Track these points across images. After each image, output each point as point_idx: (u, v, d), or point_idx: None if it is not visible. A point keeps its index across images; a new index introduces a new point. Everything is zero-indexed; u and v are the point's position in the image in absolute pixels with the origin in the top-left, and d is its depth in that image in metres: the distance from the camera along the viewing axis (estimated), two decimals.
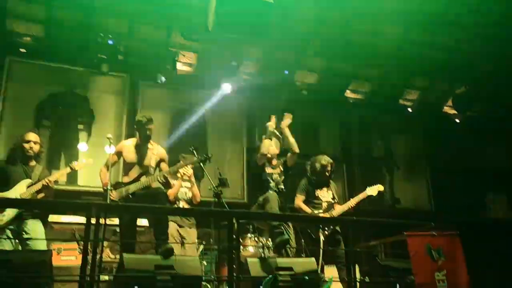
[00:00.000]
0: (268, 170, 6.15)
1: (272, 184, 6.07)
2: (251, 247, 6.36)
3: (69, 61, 8.00)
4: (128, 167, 5.62)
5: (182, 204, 6.24)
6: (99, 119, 8.33)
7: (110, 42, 7.85)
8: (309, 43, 8.97)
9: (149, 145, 5.69)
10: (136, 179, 5.44)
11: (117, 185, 5.45)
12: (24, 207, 5.15)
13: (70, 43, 7.82)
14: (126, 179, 5.53)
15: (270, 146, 6.20)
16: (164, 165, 5.67)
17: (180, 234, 6.14)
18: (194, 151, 5.90)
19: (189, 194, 6.27)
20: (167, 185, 5.71)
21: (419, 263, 4.88)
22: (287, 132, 6.13)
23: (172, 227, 6.03)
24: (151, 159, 5.59)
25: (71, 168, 5.58)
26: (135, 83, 8.50)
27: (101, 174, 5.60)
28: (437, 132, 10.49)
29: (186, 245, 6.04)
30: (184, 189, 6.27)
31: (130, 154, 5.63)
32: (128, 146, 5.70)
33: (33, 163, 5.46)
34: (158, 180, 5.45)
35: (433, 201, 9.97)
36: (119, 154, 5.67)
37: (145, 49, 8.13)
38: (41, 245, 5.20)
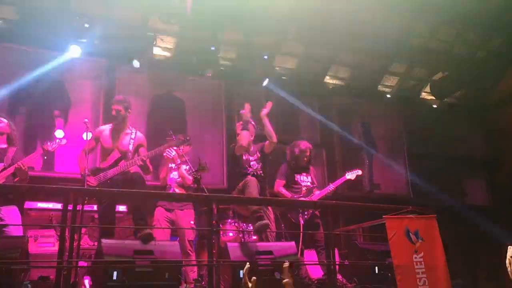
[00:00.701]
0: (246, 156, 6.11)
1: (250, 170, 6.06)
2: (231, 232, 6.36)
3: (43, 44, 7.80)
4: (106, 152, 5.57)
5: (174, 188, 6.11)
6: (75, 105, 8.17)
7: (86, 25, 7.69)
8: (289, 28, 8.94)
9: (127, 130, 5.65)
10: (114, 164, 5.38)
11: (95, 171, 5.38)
12: None
13: (45, 26, 7.62)
14: (104, 165, 5.47)
15: (248, 138, 6.13)
16: (142, 150, 5.61)
17: (168, 218, 6.04)
18: (172, 135, 5.86)
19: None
20: (146, 169, 5.63)
21: (397, 246, 4.95)
22: (266, 121, 6.09)
23: (159, 212, 6.04)
24: (129, 144, 5.55)
25: (43, 149, 5.46)
26: (112, 68, 8.34)
27: (79, 160, 5.52)
28: (415, 117, 10.59)
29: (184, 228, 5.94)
30: (174, 172, 6.19)
31: (107, 139, 5.59)
32: (105, 131, 5.65)
33: (4, 145, 5.34)
34: (136, 164, 5.39)
35: (411, 186, 10.08)
36: (96, 139, 5.62)
37: (122, 33, 7.98)
38: (17, 232, 5.11)
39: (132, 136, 5.60)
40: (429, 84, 10.74)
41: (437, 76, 10.57)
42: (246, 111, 6.20)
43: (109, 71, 8.29)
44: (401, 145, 10.43)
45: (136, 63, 8.25)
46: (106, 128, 5.69)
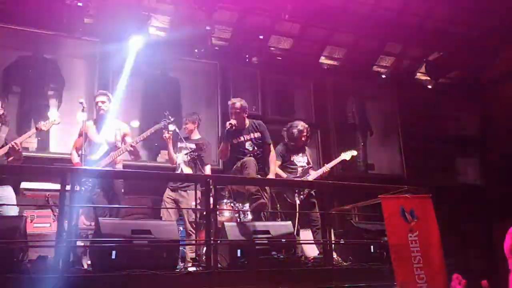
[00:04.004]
0: (238, 139, 5.99)
1: (246, 151, 5.98)
2: (227, 212, 6.38)
3: (37, 24, 7.70)
4: (95, 146, 5.68)
5: (182, 167, 6.23)
6: (69, 85, 8.12)
7: (79, 4, 7.59)
8: (284, 8, 8.87)
9: (111, 122, 5.78)
10: (105, 155, 5.54)
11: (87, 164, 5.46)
12: None
13: (39, 5, 7.52)
14: (94, 157, 5.58)
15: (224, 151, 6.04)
16: (128, 139, 5.76)
17: (172, 197, 6.22)
18: (168, 116, 5.90)
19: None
20: (136, 155, 5.76)
21: (392, 225, 4.99)
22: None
23: (166, 192, 6.25)
24: (115, 135, 5.69)
25: (37, 129, 5.47)
26: (106, 48, 8.25)
27: (72, 157, 5.71)
28: (410, 98, 10.59)
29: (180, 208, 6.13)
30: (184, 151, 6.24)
31: (94, 133, 5.72)
32: (91, 125, 5.78)
33: None
34: (127, 151, 5.56)
35: (405, 166, 10.14)
36: (84, 135, 5.68)
37: (116, 12, 7.87)
38: (12, 212, 5.14)
39: (117, 127, 5.76)
40: (424, 64, 10.72)
41: (432, 56, 10.55)
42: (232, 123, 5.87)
43: (103, 50, 8.20)
44: (395, 125, 10.47)
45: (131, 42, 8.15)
46: (92, 123, 5.81)
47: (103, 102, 5.73)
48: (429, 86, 11.01)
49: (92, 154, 5.61)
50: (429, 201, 5.26)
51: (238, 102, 5.95)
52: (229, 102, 6.02)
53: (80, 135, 5.68)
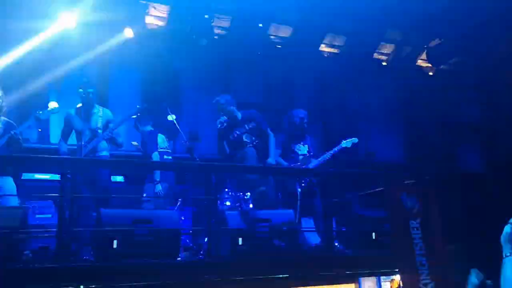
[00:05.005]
0: (236, 133, 5.97)
1: (245, 142, 5.95)
2: (228, 201, 6.38)
3: (35, 14, 7.64)
4: (78, 133, 5.76)
5: None
6: (68, 75, 8.07)
7: None
8: None
9: (95, 110, 5.83)
10: (88, 142, 5.63)
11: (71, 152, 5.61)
12: None
13: None
14: (79, 145, 5.65)
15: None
16: (111, 126, 5.82)
17: None
18: (167, 108, 5.93)
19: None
20: (114, 143, 5.86)
21: (394, 212, 4.99)
22: None
23: None
24: (97, 122, 5.75)
25: (36, 118, 5.47)
26: (104, 38, 8.20)
27: (60, 147, 5.78)
28: (411, 85, 10.54)
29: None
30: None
31: (77, 121, 5.78)
32: (75, 114, 5.84)
33: None
34: (104, 139, 5.69)
35: (407, 154, 10.12)
36: (68, 124, 5.79)
37: (114, 2, 7.82)
38: (13, 202, 5.14)
39: (100, 114, 5.80)
40: (425, 51, 10.66)
41: (434, 43, 10.48)
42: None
43: (101, 41, 8.15)
44: (396, 113, 10.43)
45: (129, 32, 8.09)
46: (75, 111, 5.87)
47: (93, 93, 5.81)
48: (430, 73, 10.95)
49: (77, 143, 5.70)
50: (431, 188, 5.25)
51: (221, 98, 6.00)
52: (213, 101, 6.04)
53: (66, 125, 5.78)
